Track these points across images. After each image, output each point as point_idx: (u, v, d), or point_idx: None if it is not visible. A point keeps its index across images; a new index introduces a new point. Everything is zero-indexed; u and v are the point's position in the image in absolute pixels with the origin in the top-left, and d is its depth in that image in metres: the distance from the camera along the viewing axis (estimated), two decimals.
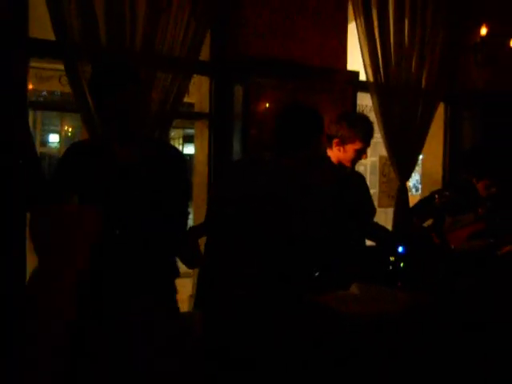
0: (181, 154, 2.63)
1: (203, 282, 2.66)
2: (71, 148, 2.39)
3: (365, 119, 3.07)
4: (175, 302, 2.32)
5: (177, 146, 23.51)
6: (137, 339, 1.70)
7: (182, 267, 2.42)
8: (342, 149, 2.93)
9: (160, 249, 2.23)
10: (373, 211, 3.23)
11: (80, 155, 2.27)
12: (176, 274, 2.34)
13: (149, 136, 2.46)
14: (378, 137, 4.71)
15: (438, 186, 4.84)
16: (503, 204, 3.38)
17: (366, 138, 2.94)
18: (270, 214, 2.39)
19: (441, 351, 1.83)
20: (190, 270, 4.75)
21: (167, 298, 2.25)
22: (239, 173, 2.52)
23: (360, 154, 2.94)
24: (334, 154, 2.97)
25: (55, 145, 17.91)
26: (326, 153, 2.98)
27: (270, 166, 2.46)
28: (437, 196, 3.37)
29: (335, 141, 2.93)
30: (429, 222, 3.63)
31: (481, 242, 3.27)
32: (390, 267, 3.43)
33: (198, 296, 2.70)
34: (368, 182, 12.79)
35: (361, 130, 2.92)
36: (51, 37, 3.19)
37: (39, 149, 17.50)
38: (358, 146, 2.92)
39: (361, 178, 3.25)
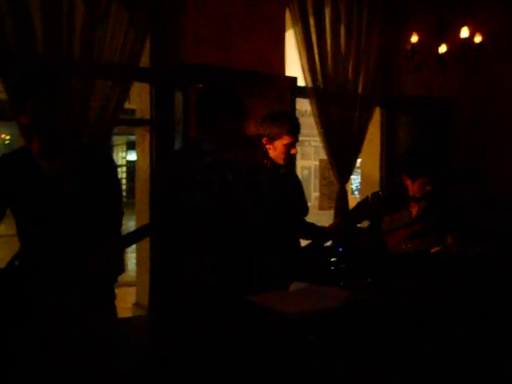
0: (108, 155, 2.60)
1: (162, 281, 2.65)
2: None
3: (288, 114, 3.23)
4: (114, 307, 2.32)
5: (120, 152, 23.25)
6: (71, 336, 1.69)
7: (126, 276, 2.43)
8: (271, 147, 3.02)
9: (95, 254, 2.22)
10: (306, 211, 3.33)
11: (5, 168, 2.23)
12: (121, 270, 2.33)
13: (79, 142, 2.41)
14: (318, 140, 4.83)
15: (376, 188, 5.01)
16: (436, 204, 3.52)
17: (292, 131, 3.02)
18: (219, 205, 2.46)
19: (378, 347, 1.90)
20: (134, 279, 4.75)
21: (106, 303, 2.25)
22: (182, 168, 2.53)
23: (289, 148, 3.03)
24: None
25: None
26: (253, 145, 3.05)
27: (208, 159, 2.51)
28: (369, 196, 3.49)
29: (264, 140, 3.02)
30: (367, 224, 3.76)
31: (414, 243, 3.41)
32: (332, 267, 3.53)
33: (154, 298, 2.69)
34: (312, 186, 12.92)
35: (285, 125, 3.00)
36: None
37: None
38: (285, 140, 2.99)
39: (295, 177, 3.35)
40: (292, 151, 3.05)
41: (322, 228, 3.40)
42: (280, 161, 3.05)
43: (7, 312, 1.90)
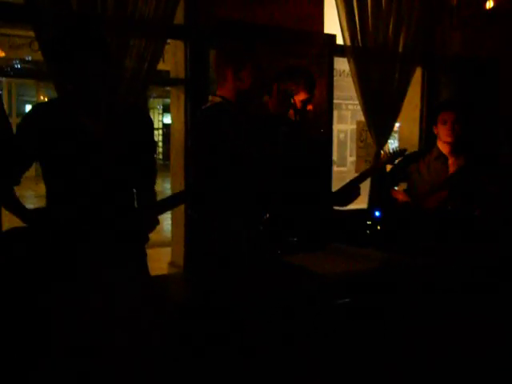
0: (147, 114, 2.59)
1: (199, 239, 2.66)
2: (33, 109, 2.27)
3: (304, 69, 3.13)
4: (145, 265, 2.33)
5: (156, 115, 23.40)
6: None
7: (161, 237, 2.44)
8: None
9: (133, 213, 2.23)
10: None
11: (42, 118, 2.17)
12: (146, 239, 2.33)
13: (114, 97, 2.39)
14: (356, 103, 4.70)
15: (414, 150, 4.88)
16: (473, 162, 3.40)
17: (309, 86, 2.98)
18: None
19: (414, 311, 1.86)
20: (170, 239, 4.79)
21: (137, 265, 2.25)
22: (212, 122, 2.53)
23: (306, 104, 2.98)
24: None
25: None
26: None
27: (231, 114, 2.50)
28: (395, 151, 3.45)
29: (279, 97, 2.96)
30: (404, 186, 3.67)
31: (453, 205, 3.31)
32: (368, 231, 3.48)
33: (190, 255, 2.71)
34: (348, 150, 12.79)
35: (302, 80, 2.96)
36: (20, 0, 3.11)
37: (16, 120, 17.29)
38: (302, 96, 2.95)
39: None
40: (308, 107, 3.00)
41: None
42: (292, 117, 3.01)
43: (37, 260, 1.90)
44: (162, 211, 2.31)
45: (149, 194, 2.39)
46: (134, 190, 2.36)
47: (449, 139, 3.35)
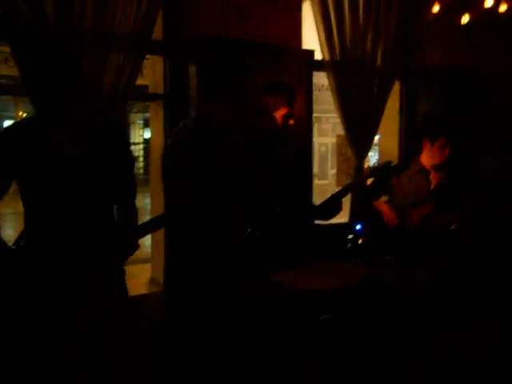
0: (121, 129, 2.59)
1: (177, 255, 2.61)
2: (8, 130, 2.28)
3: (284, 84, 3.15)
4: (124, 283, 2.30)
5: (137, 130, 23.30)
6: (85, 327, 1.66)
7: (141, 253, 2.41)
8: None
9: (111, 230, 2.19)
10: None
11: (17, 136, 2.17)
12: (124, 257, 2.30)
13: (92, 117, 2.37)
14: (336, 116, 4.72)
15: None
16: (458, 176, 3.43)
17: (289, 102, 3.00)
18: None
19: (395, 326, 1.85)
20: (150, 256, 4.74)
21: (116, 282, 2.22)
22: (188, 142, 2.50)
23: (287, 119, 3.00)
24: None
25: None
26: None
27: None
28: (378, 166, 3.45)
29: None
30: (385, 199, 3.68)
31: (437, 219, 3.33)
32: (349, 245, 3.47)
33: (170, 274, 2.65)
34: (329, 163, 12.78)
35: (283, 96, 2.98)
36: None
37: None
38: (283, 111, 2.97)
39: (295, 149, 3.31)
40: (289, 122, 3.01)
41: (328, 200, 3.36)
42: None
43: (15, 292, 1.87)
44: (142, 235, 2.29)
45: (129, 210, 2.37)
46: (115, 206, 2.34)
47: (440, 162, 3.40)
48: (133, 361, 1.55)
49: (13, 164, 2.14)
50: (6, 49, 3.24)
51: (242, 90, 2.53)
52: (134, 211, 2.39)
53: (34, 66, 2.21)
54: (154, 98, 4.12)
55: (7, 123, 18.46)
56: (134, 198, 2.41)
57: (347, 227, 3.67)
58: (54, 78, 2.09)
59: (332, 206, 3.27)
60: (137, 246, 2.28)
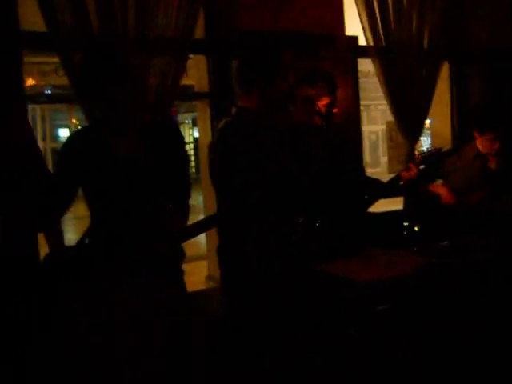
0: (176, 128, 2.61)
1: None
2: (69, 140, 2.39)
3: (323, 73, 3.08)
4: (182, 283, 2.33)
5: (186, 130, 23.60)
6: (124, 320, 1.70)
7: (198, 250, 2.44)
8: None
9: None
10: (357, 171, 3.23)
11: (78, 148, 2.27)
12: (181, 255, 2.34)
13: (145, 120, 2.42)
14: (385, 103, 4.64)
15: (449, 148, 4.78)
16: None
17: (331, 91, 2.94)
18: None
19: (453, 313, 1.79)
20: (206, 252, 4.80)
21: (171, 281, 2.25)
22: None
23: (330, 108, 2.94)
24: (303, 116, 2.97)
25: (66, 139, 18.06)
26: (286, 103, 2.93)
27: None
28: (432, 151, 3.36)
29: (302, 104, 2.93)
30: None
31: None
32: (405, 232, 3.40)
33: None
34: (380, 150, 12.62)
35: (323, 85, 2.92)
36: (43, 29, 3.17)
37: (50, 144, 17.68)
38: (325, 101, 2.92)
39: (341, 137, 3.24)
40: (333, 111, 2.96)
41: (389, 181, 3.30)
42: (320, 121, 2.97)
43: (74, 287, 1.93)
44: (192, 236, 2.32)
45: (183, 209, 2.41)
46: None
47: (490, 152, 3.33)
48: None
49: (77, 172, 2.24)
50: (56, 59, 3.33)
51: (272, 82, 2.49)
52: (187, 211, 2.42)
53: (84, 75, 2.26)
54: (200, 96, 4.15)
55: (62, 131, 19.04)
56: (188, 197, 2.44)
57: (402, 215, 3.61)
58: (104, 86, 2.15)
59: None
60: (182, 254, 2.33)
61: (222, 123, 2.58)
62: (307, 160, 2.62)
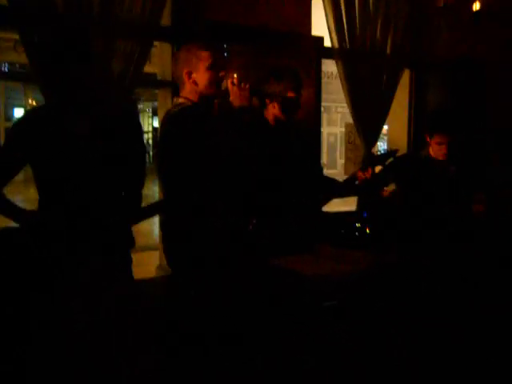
0: (135, 116, 2.56)
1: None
2: (23, 117, 2.33)
3: (291, 70, 3.08)
4: (130, 271, 2.31)
5: (146, 118, 23.31)
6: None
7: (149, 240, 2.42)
8: (276, 105, 2.93)
9: (117, 216, 2.21)
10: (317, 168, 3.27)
11: (31, 124, 2.21)
12: (131, 243, 2.32)
13: (102, 100, 2.37)
14: (345, 106, 4.70)
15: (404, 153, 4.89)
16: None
17: (297, 88, 2.94)
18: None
19: (401, 311, 1.84)
20: (158, 243, 4.76)
21: (120, 267, 2.23)
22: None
23: (294, 104, 2.96)
24: (270, 112, 2.98)
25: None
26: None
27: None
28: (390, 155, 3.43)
29: (267, 100, 2.93)
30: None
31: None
32: (356, 233, 3.46)
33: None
34: (338, 153, 12.58)
35: (290, 82, 2.92)
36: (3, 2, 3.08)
37: (4, 123, 17.16)
38: (291, 95, 2.91)
39: (301, 132, 3.26)
40: (297, 108, 2.98)
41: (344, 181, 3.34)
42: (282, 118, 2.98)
43: (20, 269, 1.89)
44: (139, 220, 2.30)
45: (134, 198, 2.38)
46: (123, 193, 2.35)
47: (442, 158, 3.41)
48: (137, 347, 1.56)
49: (26, 152, 2.18)
50: (15, 35, 3.24)
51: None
52: (139, 199, 2.40)
53: (44, 53, 2.21)
54: (162, 85, 4.10)
55: (17, 111, 18.50)
56: (141, 186, 2.41)
57: (355, 215, 3.67)
58: (65, 64, 2.11)
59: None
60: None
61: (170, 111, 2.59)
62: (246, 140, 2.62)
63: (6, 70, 8.83)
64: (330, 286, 1.89)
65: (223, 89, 2.68)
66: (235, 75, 2.67)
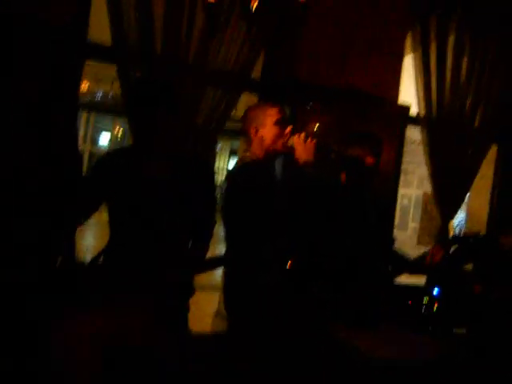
0: (208, 166, 2.65)
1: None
2: (106, 155, 2.45)
3: (371, 136, 3.21)
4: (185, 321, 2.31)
5: (223, 158, 23.80)
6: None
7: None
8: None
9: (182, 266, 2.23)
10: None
11: (111, 164, 2.30)
12: (191, 292, 2.33)
13: (180, 149, 2.46)
14: (422, 169, 4.58)
15: (483, 228, 4.70)
16: None
17: (375, 153, 3.08)
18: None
19: None
20: (219, 283, 4.75)
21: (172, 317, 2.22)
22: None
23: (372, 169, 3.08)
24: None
25: (105, 145, 18.36)
26: None
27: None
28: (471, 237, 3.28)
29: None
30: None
31: None
32: (423, 310, 3.30)
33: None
34: (410, 216, 12.29)
35: (368, 147, 3.06)
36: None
37: (90, 147, 18.00)
38: (369, 161, 3.03)
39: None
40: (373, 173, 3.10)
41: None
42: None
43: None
44: (202, 271, 2.31)
45: (201, 246, 2.40)
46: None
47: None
48: None
49: (106, 188, 2.28)
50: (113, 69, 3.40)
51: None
52: (205, 249, 2.41)
53: (137, 90, 2.34)
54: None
55: (104, 135, 19.39)
56: (209, 236, 2.42)
57: (423, 290, 3.52)
58: (152, 105, 2.19)
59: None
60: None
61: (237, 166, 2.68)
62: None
63: (99, 99, 9.30)
64: (395, 372, 1.80)
65: (289, 145, 2.75)
66: (303, 134, 2.75)
